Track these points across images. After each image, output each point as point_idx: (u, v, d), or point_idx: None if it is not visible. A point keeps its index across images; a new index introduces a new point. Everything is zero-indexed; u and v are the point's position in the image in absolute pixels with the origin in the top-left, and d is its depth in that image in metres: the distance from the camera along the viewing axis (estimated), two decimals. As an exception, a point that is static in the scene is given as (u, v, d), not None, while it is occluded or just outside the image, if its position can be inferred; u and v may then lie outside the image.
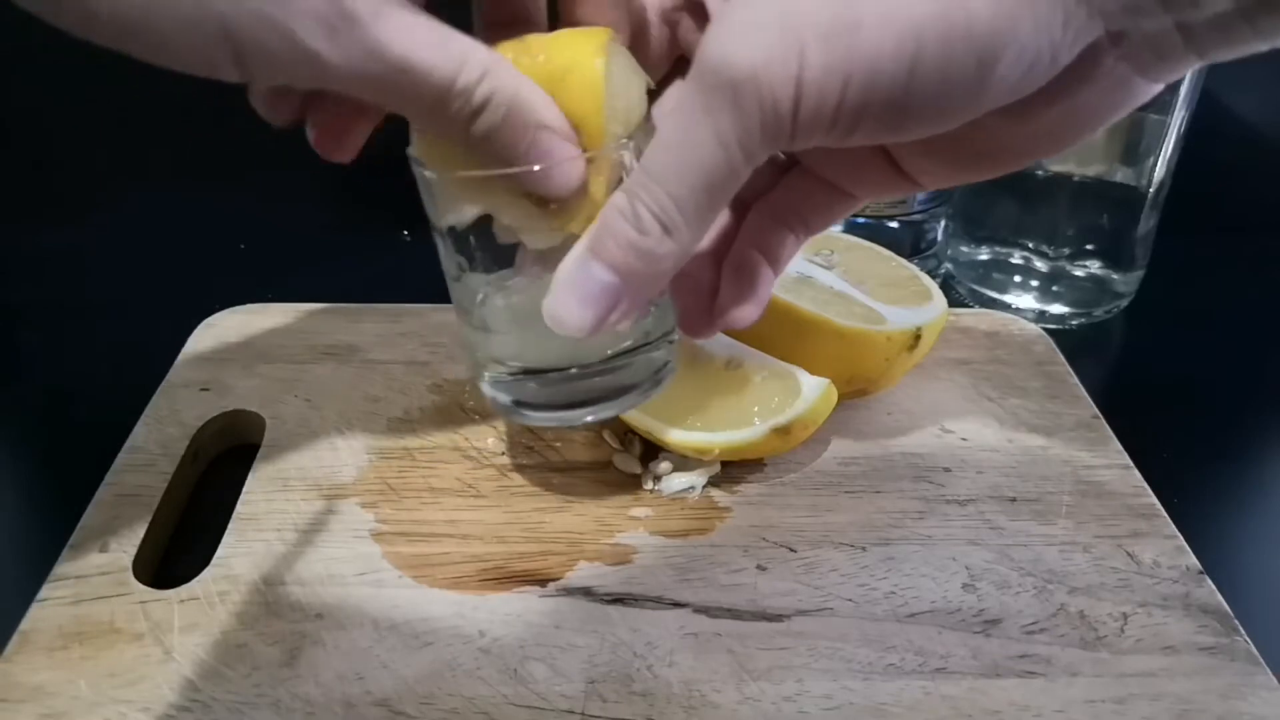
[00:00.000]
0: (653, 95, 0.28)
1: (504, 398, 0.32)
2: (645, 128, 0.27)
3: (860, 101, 0.21)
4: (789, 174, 0.29)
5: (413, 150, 0.28)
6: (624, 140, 0.27)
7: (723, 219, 0.30)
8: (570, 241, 0.25)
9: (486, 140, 0.25)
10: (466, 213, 0.28)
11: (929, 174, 0.27)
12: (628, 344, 0.31)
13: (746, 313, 0.30)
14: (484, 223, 0.28)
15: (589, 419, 0.32)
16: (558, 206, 0.27)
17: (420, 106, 0.24)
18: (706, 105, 0.22)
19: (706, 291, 0.30)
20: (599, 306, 0.24)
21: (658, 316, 0.31)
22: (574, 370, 0.31)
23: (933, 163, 0.26)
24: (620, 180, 0.26)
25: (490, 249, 0.29)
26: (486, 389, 0.33)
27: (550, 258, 0.27)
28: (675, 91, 0.28)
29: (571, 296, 0.24)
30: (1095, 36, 0.21)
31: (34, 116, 0.59)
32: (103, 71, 0.57)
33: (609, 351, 0.31)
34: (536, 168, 0.26)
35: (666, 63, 0.30)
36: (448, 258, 0.30)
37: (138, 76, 0.60)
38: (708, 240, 0.30)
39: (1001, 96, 0.22)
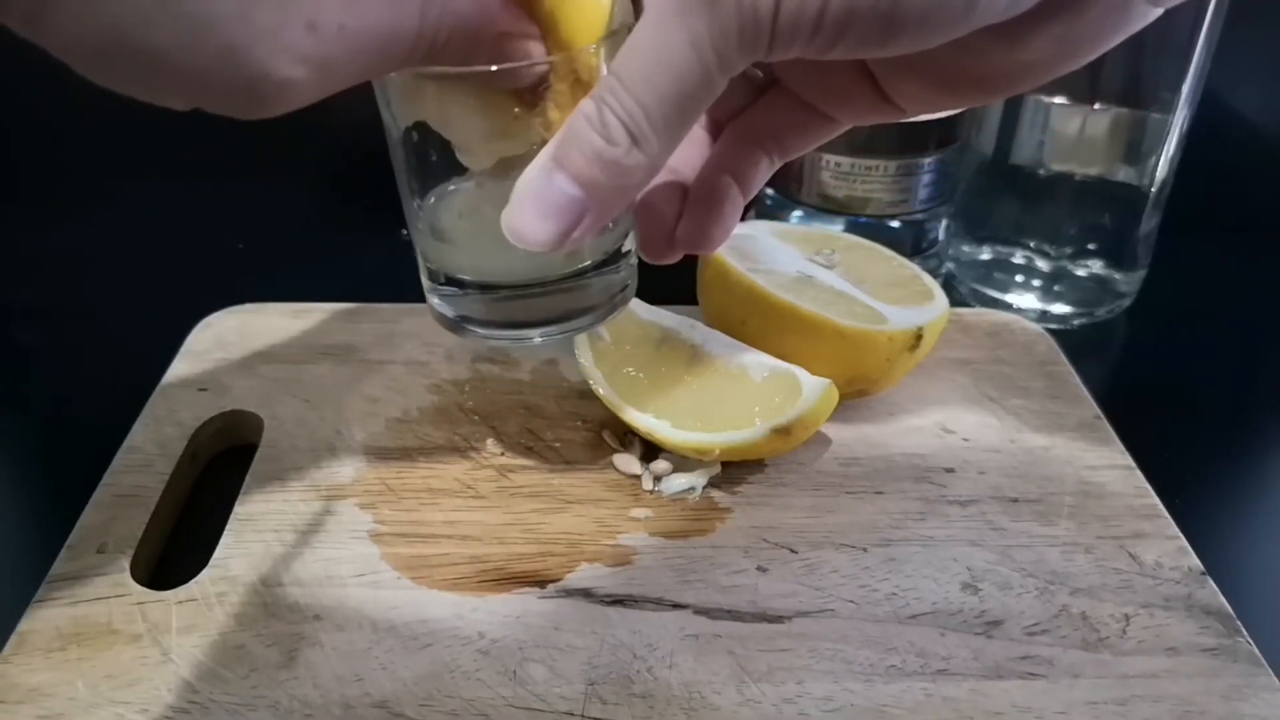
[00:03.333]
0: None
1: (450, 312, 0.31)
2: (622, 29, 0.26)
3: (844, 8, 0.20)
4: (766, 95, 0.28)
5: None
6: (594, 46, 0.25)
7: (696, 146, 0.29)
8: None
9: (452, 61, 0.24)
10: (423, 115, 0.26)
11: (914, 98, 0.26)
12: (586, 263, 0.29)
13: (710, 236, 0.28)
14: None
15: (538, 339, 0.30)
16: (521, 113, 0.25)
17: (394, 66, 0.23)
18: (681, 7, 0.21)
19: (670, 215, 0.29)
20: (562, 220, 0.23)
21: (618, 236, 0.30)
22: (532, 288, 0.29)
23: (918, 86, 0.25)
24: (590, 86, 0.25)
25: (446, 153, 0.27)
26: (434, 301, 0.31)
27: (509, 165, 0.26)
28: None
29: (533, 208, 0.23)
30: None
31: (33, 116, 0.59)
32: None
33: (566, 270, 0.29)
34: (494, 69, 0.24)
35: None
36: (400, 162, 0.29)
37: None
38: (678, 164, 0.29)
39: (994, 12, 0.21)
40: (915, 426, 0.41)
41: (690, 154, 0.30)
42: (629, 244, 0.30)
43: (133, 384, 0.41)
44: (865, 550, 0.35)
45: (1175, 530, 0.36)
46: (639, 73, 0.21)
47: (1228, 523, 0.40)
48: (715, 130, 0.29)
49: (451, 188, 0.29)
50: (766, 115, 0.28)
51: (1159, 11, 0.22)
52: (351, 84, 0.23)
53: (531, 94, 0.26)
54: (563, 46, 0.25)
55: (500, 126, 0.26)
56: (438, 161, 0.28)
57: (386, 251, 0.54)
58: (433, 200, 0.29)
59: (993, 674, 0.30)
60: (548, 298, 0.29)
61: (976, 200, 0.53)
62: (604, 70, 0.25)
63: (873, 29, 0.21)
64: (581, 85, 0.25)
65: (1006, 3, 0.20)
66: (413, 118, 0.27)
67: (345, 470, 0.38)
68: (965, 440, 0.40)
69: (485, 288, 0.30)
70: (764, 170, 0.29)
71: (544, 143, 0.24)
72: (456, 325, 0.31)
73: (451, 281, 0.30)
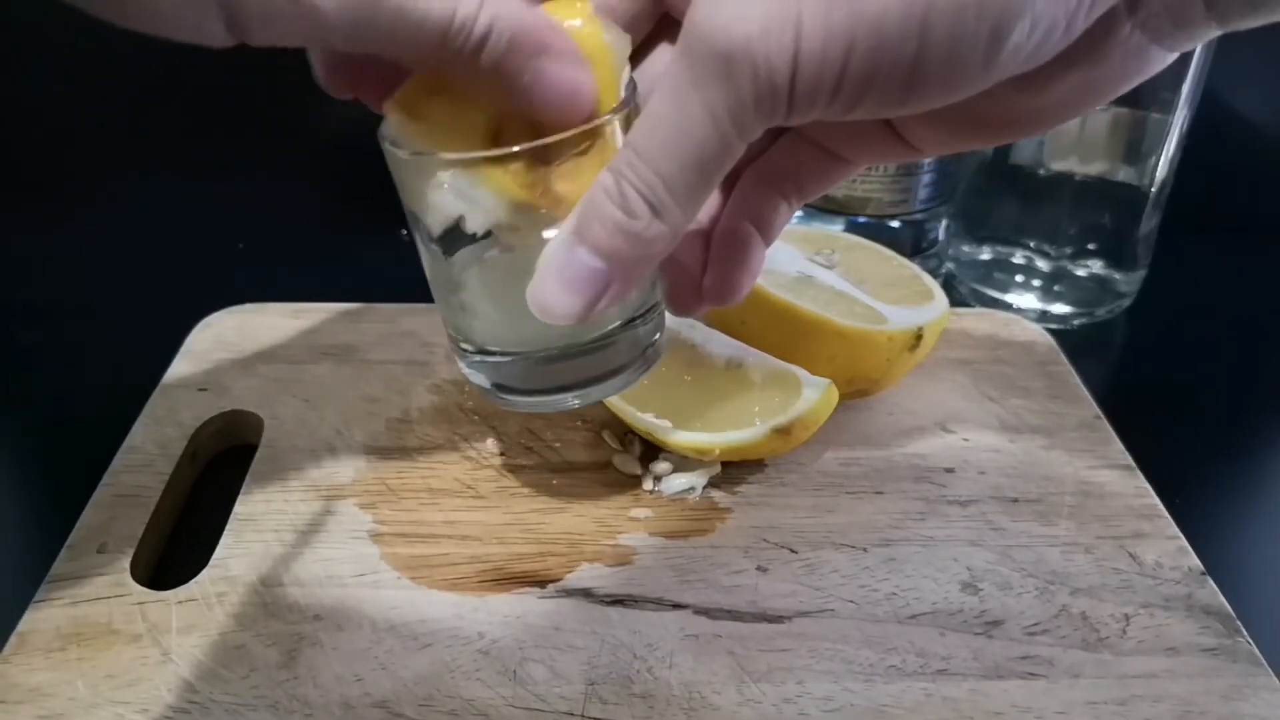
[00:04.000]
0: (633, 60, 0.26)
1: (483, 380, 0.31)
2: (631, 100, 0.26)
3: (864, 73, 0.20)
4: (781, 139, 0.28)
5: (386, 128, 0.26)
6: (609, 116, 0.25)
7: (713, 193, 0.29)
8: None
9: (494, 72, 0.23)
10: (442, 208, 0.26)
11: (931, 142, 0.26)
12: (615, 324, 0.29)
13: (737, 286, 0.28)
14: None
15: (574, 403, 0.30)
16: (543, 191, 0.25)
17: (422, 48, 0.22)
18: (696, 78, 0.20)
19: (695, 266, 0.29)
20: (586, 293, 0.23)
21: (644, 291, 0.30)
22: (556, 352, 0.29)
23: (936, 131, 0.25)
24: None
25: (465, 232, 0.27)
26: (465, 370, 0.31)
27: (528, 238, 0.26)
28: (660, 57, 0.27)
29: (557, 283, 0.23)
30: (1112, 3, 0.20)
31: (33, 116, 0.59)
32: (101, 70, 0.58)
33: (595, 333, 0.29)
34: (516, 149, 0.24)
35: (649, 23, 0.27)
36: (421, 237, 0.28)
37: (137, 75, 0.60)
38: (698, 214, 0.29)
39: (1014, 66, 0.21)
40: (915, 426, 0.41)
41: (706, 202, 0.30)
42: (655, 297, 0.30)
43: (133, 384, 0.41)
44: (865, 550, 0.35)
45: (1175, 530, 0.36)
46: (656, 144, 0.21)
47: (1228, 523, 0.40)
48: (729, 175, 0.29)
49: (468, 260, 0.28)
50: (782, 160, 0.28)
51: (1174, 56, 0.22)
52: (364, 43, 0.22)
53: (550, 171, 0.25)
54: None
55: (517, 206, 0.26)
56: (455, 234, 0.27)
57: (386, 251, 0.54)
58: (456, 274, 0.28)
59: (993, 674, 0.30)
60: (579, 360, 0.29)
61: (976, 200, 0.53)
62: (617, 138, 0.25)
63: (893, 89, 0.20)
64: (600, 160, 0.25)
65: (1027, 55, 0.20)
66: (442, 208, 0.26)
67: (345, 470, 0.38)
68: (965, 440, 0.40)
69: (513, 355, 0.30)
70: (784, 214, 0.29)
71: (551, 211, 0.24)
72: (492, 394, 0.31)
73: (481, 351, 0.30)
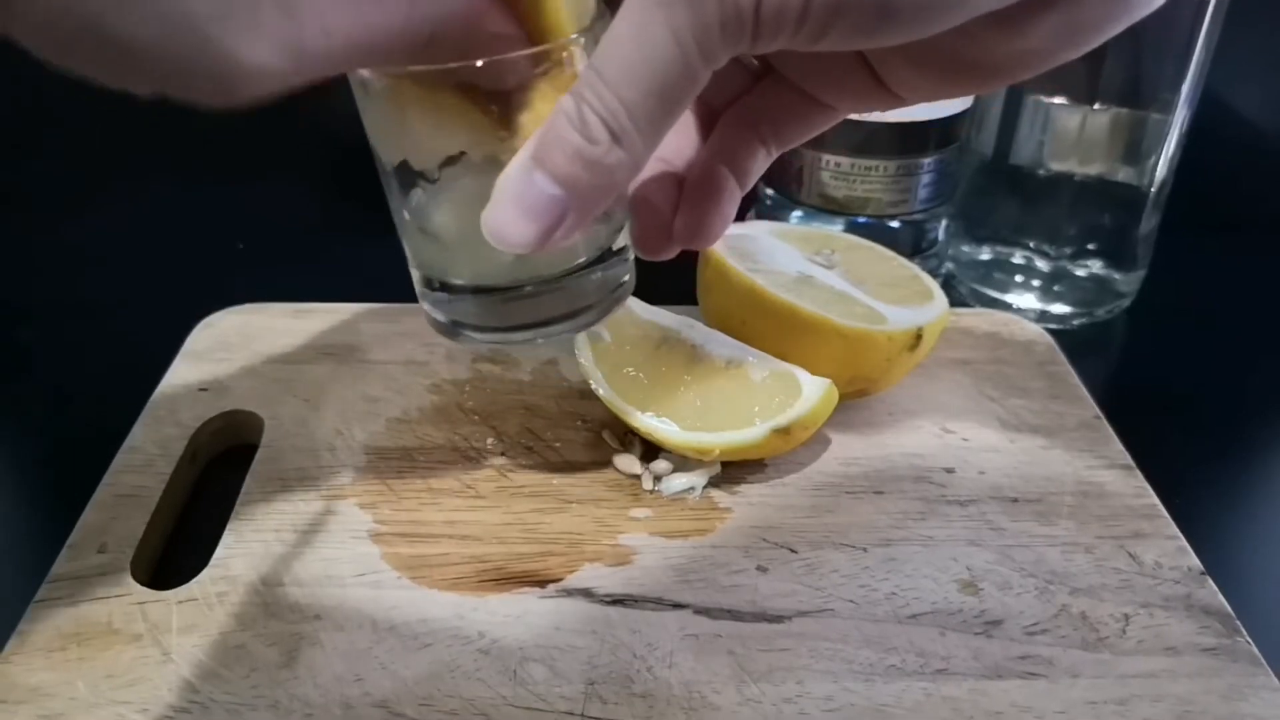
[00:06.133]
0: None
1: (444, 317, 0.30)
2: (602, 21, 0.25)
3: None
4: (762, 82, 0.28)
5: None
6: (574, 36, 0.25)
7: (689, 137, 0.28)
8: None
9: (437, 62, 0.23)
10: (413, 137, 0.26)
11: (912, 87, 0.25)
12: (581, 260, 0.28)
13: (709, 229, 0.28)
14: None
15: (538, 341, 0.29)
16: (500, 110, 0.25)
17: (378, 59, 0.23)
18: None
19: (666, 208, 0.28)
20: (543, 220, 0.22)
21: (612, 232, 0.29)
22: (526, 288, 0.28)
23: (916, 75, 0.25)
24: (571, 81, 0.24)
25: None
26: (426, 306, 0.30)
27: (494, 163, 0.25)
28: None
29: (513, 208, 0.22)
30: None
31: (32, 116, 0.59)
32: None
33: (560, 269, 0.28)
34: (479, 63, 0.24)
35: None
36: (386, 168, 0.28)
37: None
38: (671, 155, 0.28)
39: (989, 0, 0.20)
40: (915, 426, 0.41)
41: (681, 144, 0.29)
42: (624, 239, 0.30)
43: (133, 384, 0.42)
44: (865, 550, 0.35)
45: (1175, 530, 0.36)
46: (618, 67, 0.21)
47: (1227, 522, 0.40)
48: (707, 118, 0.28)
49: (436, 188, 0.28)
50: (762, 103, 0.27)
51: (1160, 1, 0.21)
52: (329, 73, 0.22)
53: (513, 95, 0.25)
54: (541, 38, 0.25)
55: (480, 131, 0.26)
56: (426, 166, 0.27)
57: (386, 251, 0.54)
58: (419, 203, 0.28)
59: (992, 674, 0.30)
60: (543, 297, 0.29)
61: (976, 200, 0.53)
62: (582, 61, 0.25)
63: (864, 19, 0.20)
64: (563, 84, 0.25)
65: None
66: (396, 124, 0.26)
67: (345, 470, 0.38)
68: (965, 440, 0.40)
69: (478, 290, 0.29)
70: (761, 160, 0.28)
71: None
72: (451, 330, 0.30)
73: (444, 286, 0.29)
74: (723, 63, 0.21)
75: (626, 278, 0.30)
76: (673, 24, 0.20)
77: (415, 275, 0.31)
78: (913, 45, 0.21)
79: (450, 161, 0.27)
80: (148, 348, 0.44)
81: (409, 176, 0.28)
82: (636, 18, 0.20)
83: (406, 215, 0.29)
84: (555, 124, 0.22)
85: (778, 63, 0.27)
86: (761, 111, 0.28)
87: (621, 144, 0.21)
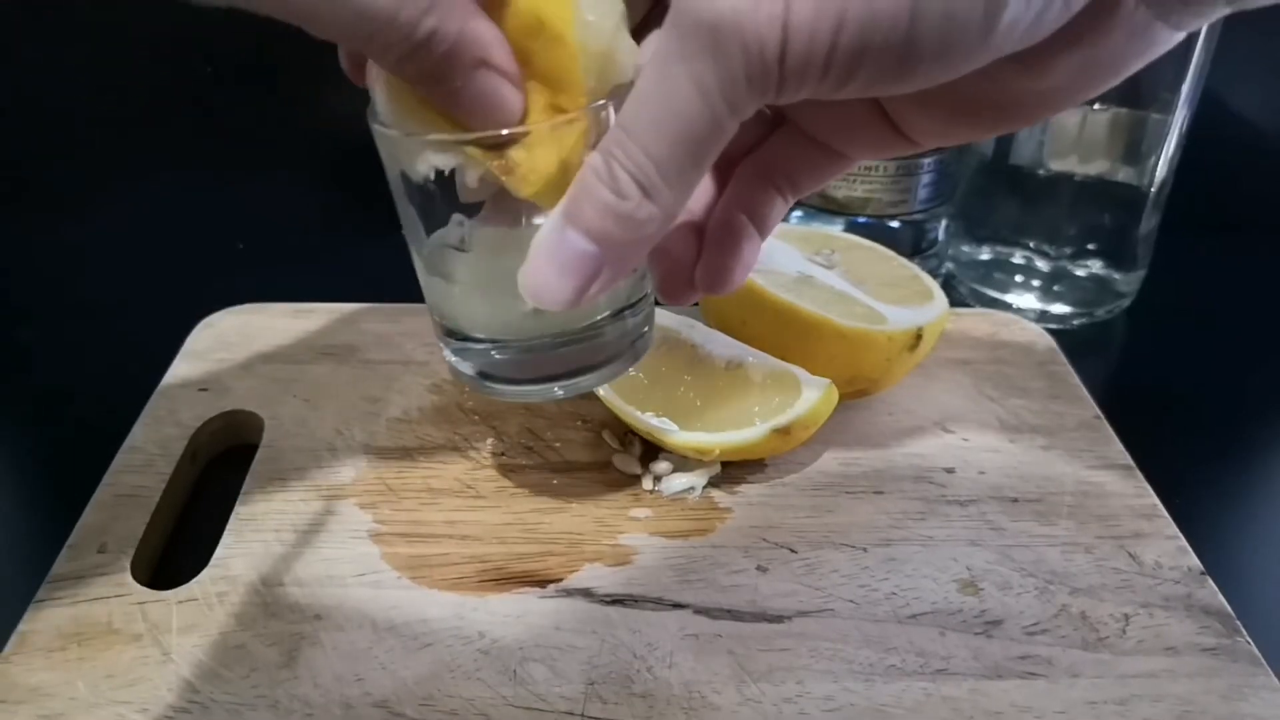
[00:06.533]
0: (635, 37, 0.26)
1: (468, 368, 0.30)
2: (630, 80, 0.25)
3: (855, 46, 0.19)
4: (777, 132, 0.28)
5: (373, 107, 0.26)
6: (601, 100, 0.25)
7: (706, 184, 0.28)
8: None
9: (423, 78, 0.23)
10: (427, 164, 0.26)
11: (928, 131, 0.25)
12: (604, 314, 0.29)
13: (730, 276, 0.28)
14: (446, 176, 0.26)
15: (559, 393, 0.30)
16: (504, 165, 0.25)
17: (358, 38, 0.23)
18: (684, 52, 0.20)
19: (686, 257, 0.28)
20: (578, 277, 0.22)
21: (633, 283, 0.29)
22: (545, 340, 0.29)
23: (932, 119, 0.25)
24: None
25: (452, 202, 0.27)
26: (449, 358, 0.31)
27: (513, 212, 0.26)
28: (654, 38, 0.26)
29: (549, 267, 0.22)
30: None
31: (32, 115, 0.59)
32: (102, 70, 0.58)
33: (582, 322, 0.28)
34: (504, 133, 0.24)
35: (646, 3, 0.27)
36: (406, 215, 0.28)
37: (138, 75, 0.60)
38: (690, 204, 0.28)
39: (1011, 42, 0.20)
40: (915, 426, 0.41)
41: (699, 193, 0.29)
42: (645, 289, 0.30)
43: (133, 384, 0.42)
44: (865, 550, 0.35)
45: (1175, 530, 0.36)
46: (646, 123, 0.21)
47: (1227, 522, 0.40)
48: (724, 166, 0.28)
49: (458, 243, 0.28)
50: (777, 153, 0.28)
51: (1181, 36, 0.21)
52: (307, 19, 0.22)
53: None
54: (538, 75, 0.25)
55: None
56: (444, 209, 0.27)
57: (386, 251, 0.54)
58: (441, 260, 0.28)
59: (992, 674, 0.30)
60: (564, 350, 0.29)
61: (976, 200, 0.53)
62: (611, 119, 0.25)
63: (887, 65, 0.20)
64: (567, 122, 0.25)
65: (1025, 28, 0.20)
66: (420, 169, 0.26)
67: (345, 470, 0.38)
68: (965, 440, 0.40)
69: (498, 343, 0.29)
70: (779, 208, 0.28)
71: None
72: (475, 382, 0.30)
73: (466, 338, 0.30)
74: (750, 114, 0.21)
75: (647, 329, 0.31)
76: (697, 78, 0.20)
77: (435, 324, 0.31)
78: (932, 89, 0.21)
79: (472, 213, 0.27)
80: (148, 348, 0.44)
81: (432, 229, 0.28)
82: (660, 75, 0.20)
83: (428, 268, 0.29)
84: (585, 181, 0.22)
85: (792, 113, 0.27)
86: (777, 161, 0.28)
87: (652, 198, 0.21)
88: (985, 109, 0.24)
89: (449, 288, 0.29)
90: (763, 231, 0.28)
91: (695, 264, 0.28)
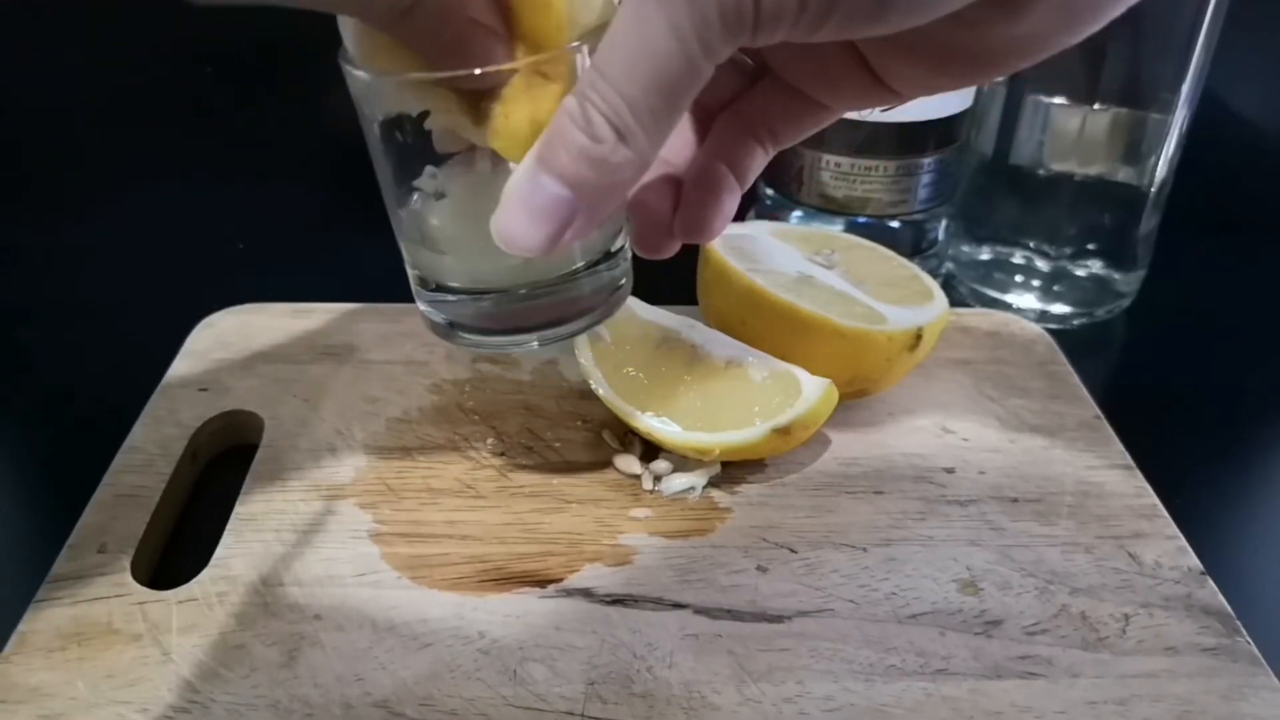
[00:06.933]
0: None
1: (439, 317, 0.30)
2: (602, 25, 0.25)
3: None
4: (759, 84, 0.28)
5: (345, 50, 0.26)
6: (576, 43, 0.24)
7: (686, 137, 0.28)
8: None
9: (413, 35, 0.23)
10: (401, 107, 0.26)
11: (908, 80, 0.25)
12: (579, 264, 0.28)
13: (709, 225, 0.28)
14: (420, 120, 0.26)
15: (535, 344, 0.29)
16: (485, 108, 0.24)
17: (352, 8, 0.22)
18: None
19: (664, 209, 0.28)
20: (552, 223, 0.22)
21: (609, 235, 0.29)
22: (521, 291, 0.28)
23: (912, 66, 0.24)
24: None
25: (427, 151, 0.26)
26: (421, 306, 0.30)
27: (485, 159, 0.25)
28: None
29: (522, 212, 0.22)
30: None
31: (32, 115, 0.59)
32: (102, 70, 0.57)
33: (558, 272, 0.28)
34: (477, 71, 0.24)
35: None
36: (380, 160, 0.28)
37: (138, 75, 0.60)
38: (669, 156, 0.28)
39: None
40: (915, 426, 0.41)
41: (678, 145, 0.29)
42: (622, 241, 0.30)
43: (133, 384, 0.42)
44: (865, 550, 0.35)
45: (1175, 530, 0.36)
46: (621, 65, 0.20)
47: (1227, 522, 0.40)
48: (704, 118, 0.28)
49: (433, 192, 0.28)
50: (758, 104, 0.27)
51: None
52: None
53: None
54: (525, 38, 0.25)
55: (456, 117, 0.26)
56: (419, 158, 0.27)
57: (387, 251, 0.54)
58: (416, 205, 0.28)
59: (992, 674, 0.30)
60: (541, 300, 0.29)
61: (976, 200, 0.53)
62: (585, 65, 0.25)
63: (863, 5, 0.20)
64: (543, 80, 0.25)
65: None
66: (389, 107, 0.26)
67: (345, 470, 0.38)
68: (965, 440, 0.40)
69: (474, 293, 0.29)
70: (759, 159, 0.28)
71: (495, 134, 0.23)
72: (447, 331, 0.30)
73: (441, 288, 0.29)
74: (725, 56, 0.21)
75: (624, 280, 0.30)
76: (672, 21, 0.20)
77: (411, 275, 0.31)
78: (908, 35, 0.21)
79: (445, 159, 0.27)
80: (148, 348, 0.44)
81: (405, 178, 0.28)
82: (635, 17, 0.20)
83: (403, 216, 0.29)
84: (560, 124, 0.22)
85: (773, 63, 0.27)
86: (758, 112, 0.28)
87: (627, 141, 0.21)
88: (963, 56, 0.23)
89: (423, 238, 0.28)
90: (743, 182, 0.28)
91: (673, 216, 0.28)
